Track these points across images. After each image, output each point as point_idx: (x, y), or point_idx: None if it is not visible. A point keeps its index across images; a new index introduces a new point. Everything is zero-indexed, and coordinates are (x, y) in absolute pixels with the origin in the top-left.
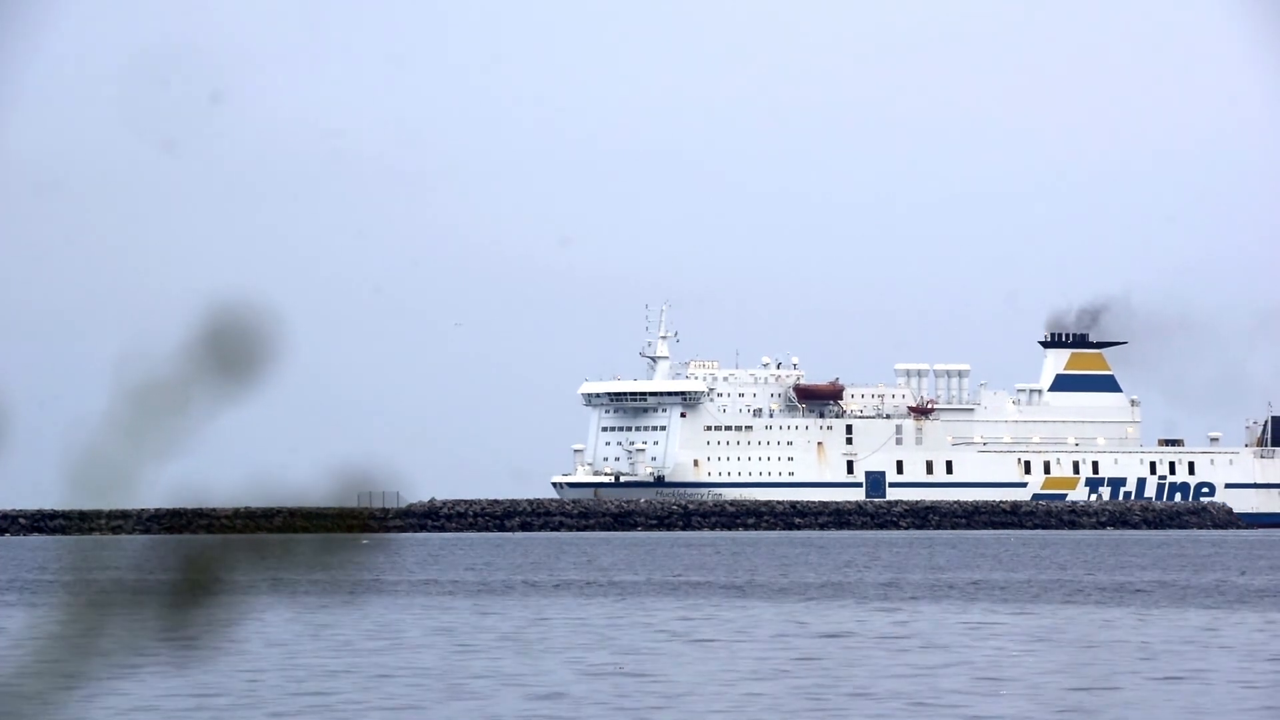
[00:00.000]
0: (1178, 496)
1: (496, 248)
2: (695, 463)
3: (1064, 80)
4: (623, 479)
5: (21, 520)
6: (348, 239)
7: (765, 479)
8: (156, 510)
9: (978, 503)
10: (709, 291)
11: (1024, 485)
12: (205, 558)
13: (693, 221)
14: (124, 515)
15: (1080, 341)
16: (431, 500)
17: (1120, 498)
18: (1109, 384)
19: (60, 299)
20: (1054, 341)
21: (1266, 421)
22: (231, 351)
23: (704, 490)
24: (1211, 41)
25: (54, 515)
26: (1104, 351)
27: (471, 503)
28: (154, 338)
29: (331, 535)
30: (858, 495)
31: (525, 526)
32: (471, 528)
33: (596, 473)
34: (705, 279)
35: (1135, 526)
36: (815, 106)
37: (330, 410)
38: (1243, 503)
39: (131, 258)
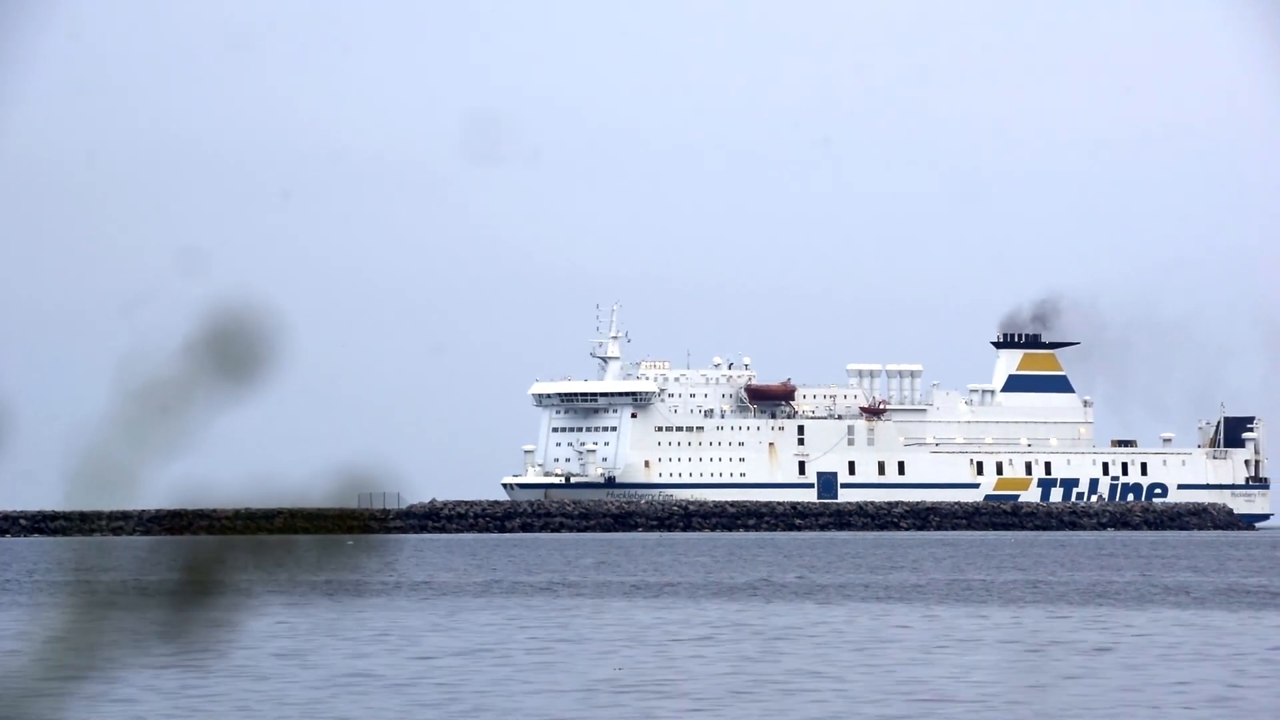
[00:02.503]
0: (1130, 497)
1: (451, 243)
2: (646, 463)
3: (1043, 77)
4: (573, 480)
5: (23, 521)
6: (341, 236)
7: (716, 480)
8: (158, 511)
9: (978, 504)
10: (660, 292)
11: (976, 486)
12: (206, 558)
13: (644, 221)
14: (125, 516)
15: (1033, 342)
16: (432, 501)
17: (1072, 498)
18: (1061, 384)
19: (60, 299)
20: (1006, 342)
21: (1219, 422)
22: (233, 352)
23: (655, 491)
24: (1204, 40)
25: (55, 516)
26: (1057, 352)
27: (472, 504)
28: (156, 338)
29: (326, 536)
30: (809, 496)
31: (526, 528)
32: (472, 528)
33: (547, 474)
34: (656, 279)
35: (1136, 528)
36: (768, 106)
37: (331, 410)
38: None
39: (130, 257)
